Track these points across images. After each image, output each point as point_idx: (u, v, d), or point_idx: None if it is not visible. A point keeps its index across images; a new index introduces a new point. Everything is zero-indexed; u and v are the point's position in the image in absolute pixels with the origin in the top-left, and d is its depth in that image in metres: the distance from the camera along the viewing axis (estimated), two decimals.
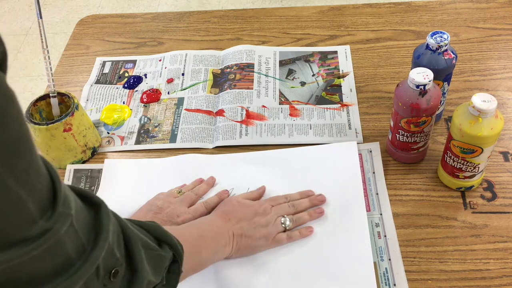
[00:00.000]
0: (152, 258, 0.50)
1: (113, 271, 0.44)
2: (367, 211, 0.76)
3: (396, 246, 0.72)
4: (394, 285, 0.68)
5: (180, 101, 0.97)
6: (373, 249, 0.72)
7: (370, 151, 0.84)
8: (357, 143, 0.85)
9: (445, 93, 0.83)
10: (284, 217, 0.73)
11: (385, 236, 0.73)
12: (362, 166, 0.82)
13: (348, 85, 0.97)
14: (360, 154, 0.84)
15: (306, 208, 0.76)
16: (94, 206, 0.44)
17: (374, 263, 0.70)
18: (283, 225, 0.72)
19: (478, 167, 0.73)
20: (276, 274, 0.70)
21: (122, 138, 0.91)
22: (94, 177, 0.85)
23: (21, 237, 0.33)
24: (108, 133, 0.92)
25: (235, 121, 0.91)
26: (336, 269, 0.70)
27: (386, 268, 0.70)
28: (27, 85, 2.23)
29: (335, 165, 0.82)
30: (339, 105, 0.93)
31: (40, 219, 0.35)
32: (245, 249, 0.70)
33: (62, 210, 0.37)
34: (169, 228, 0.57)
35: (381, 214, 0.76)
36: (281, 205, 0.75)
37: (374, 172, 0.81)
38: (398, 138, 0.79)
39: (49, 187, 0.36)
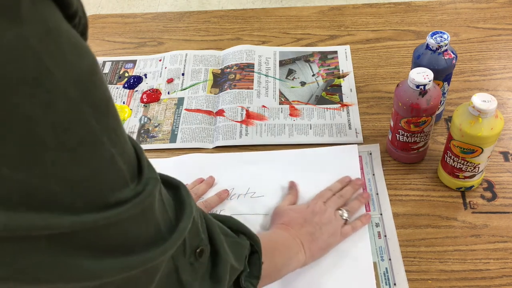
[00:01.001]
0: (231, 244, 0.50)
1: (198, 250, 0.44)
2: (367, 211, 0.76)
3: (396, 246, 0.72)
4: (395, 284, 0.68)
5: (180, 101, 0.97)
6: (373, 249, 0.72)
7: (370, 153, 0.84)
8: (357, 145, 0.85)
9: (445, 93, 0.83)
10: (340, 210, 0.73)
11: (385, 236, 0.73)
12: (362, 168, 0.82)
13: (348, 85, 0.97)
14: (360, 156, 0.84)
15: (351, 195, 0.76)
16: (174, 187, 0.44)
17: (374, 263, 0.70)
18: (342, 218, 0.72)
19: (478, 167, 0.73)
20: None
21: None
22: None
23: (117, 198, 0.33)
24: None
25: (235, 121, 0.91)
26: (336, 268, 0.70)
27: (386, 268, 0.70)
28: None
29: (335, 167, 0.82)
30: (339, 105, 0.93)
31: (131, 182, 0.35)
32: (318, 252, 0.69)
33: (149, 175, 0.36)
34: None
35: (381, 214, 0.76)
36: (331, 199, 0.75)
37: (374, 174, 0.81)
38: (398, 138, 0.79)
39: (134, 154, 0.36)
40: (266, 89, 0.97)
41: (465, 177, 0.75)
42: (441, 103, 0.85)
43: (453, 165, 0.75)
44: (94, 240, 0.33)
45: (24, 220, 0.29)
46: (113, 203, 0.33)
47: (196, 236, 0.44)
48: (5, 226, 0.28)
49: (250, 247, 0.54)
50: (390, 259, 0.71)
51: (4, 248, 0.30)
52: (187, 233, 0.41)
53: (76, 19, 0.32)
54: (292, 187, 0.79)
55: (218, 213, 0.77)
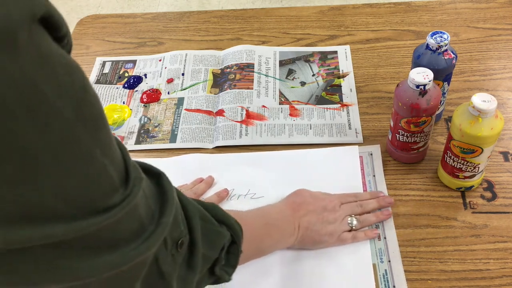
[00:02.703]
0: (208, 231, 0.51)
1: (179, 241, 0.45)
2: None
3: (395, 248, 0.72)
4: (394, 286, 0.68)
5: (180, 101, 0.97)
6: (373, 250, 0.72)
7: (371, 154, 0.84)
8: (358, 145, 0.85)
9: (445, 93, 0.83)
10: (351, 216, 0.73)
11: (384, 238, 0.73)
12: (362, 169, 0.82)
13: (348, 85, 0.97)
14: (360, 157, 0.83)
15: (373, 209, 0.75)
16: (155, 176, 0.46)
17: (374, 265, 0.70)
18: (349, 225, 0.72)
19: (478, 167, 0.73)
20: (275, 275, 0.69)
21: (122, 138, 0.91)
22: None
23: (107, 204, 0.35)
24: None
25: (235, 121, 0.91)
26: (336, 269, 0.70)
27: (385, 270, 0.70)
28: None
29: (335, 168, 0.82)
30: (339, 105, 0.93)
31: (120, 187, 0.37)
32: (308, 242, 0.70)
33: (135, 175, 0.38)
34: (234, 213, 0.58)
35: None
36: (350, 204, 0.75)
37: (374, 175, 0.81)
38: (398, 138, 0.79)
39: (122, 158, 0.38)
40: (266, 89, 0.97)
41: (465, 177, 0.75)
42: (441, 103, 0.85)
43: (453, 165, 0.75)
44: (84, 243, 0.35)
45: (22, 234, 0.31)
46: (104, 209, 0.35)
47: (176, 228, 0.45)
48: (3, 240, 0.30)
49: (231, 237, 0.55)
50: (389, 261, 0.71)
51: (0, 258, 0.32)
52: (169, 227, 0.42)
53: (65, 40, 0.33)
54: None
55: None
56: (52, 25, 0.31)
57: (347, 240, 0.72)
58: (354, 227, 0.72)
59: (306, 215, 0.70)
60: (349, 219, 0.73)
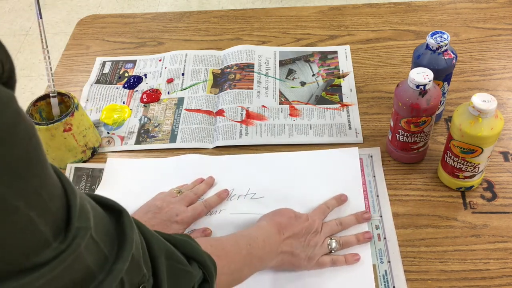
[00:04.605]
0: (176, 272, 0.47)
1: (140, 287, 0.41)
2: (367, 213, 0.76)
3: (396, 248, 0.72)
4: (394, 287, 0.68)
5: (180, 101, 0.97)
6: (373, 251, 0.72)
7: (371, 156, 0.84)
8: (358, 147, 0.85)
9: (445, 93, 0.83)
10: (331, 238, 0.71)
11: (385, 238, 0.73)
12: (362, 170, 0.82)
13: (348, 85, 0.97)
14: (360, 159, 0.83)
15: (351, 226, 0.74)
16: (115, 213, 0.41)
17: (374, 265, 0.70)
18: (329, 247, 0.70)
19: (478, 167, 0.73)
20: (275, 275, 0.69)
21: (122, 138, 0.91)
22: (95, 176, 0.85)
23: (34, 263, 0.31)
24: (108, 133, 0.92)
25: (235, 121, 0.91)
26: (336, 269, 0.70)
27: (385, 270, 0.70)
28: (27, 85, 2.23)
29: (336, 169, 0.82)
30: (339, 105, 0.93)
31: (54, 241, 0.32)
32: (287, 265, 0.68)
33: (78, 225, 0.34)
34: (216, 240, 0.54)
35: (381, 216, 0.76)
36: (329, 223, 0.73)
37: (374, 176, 0.81)
38: (398, 138, 0.79)
39: (63, 204, 0.34)
40: (266, 89, 0.97)
41: (465, 177, 0.75)
42: (441, 103, 0.85)
43: (453, 165, 0.75)
44: None
45: None
46: (32, 267, 0.31)
47: (137, 272, 0.41)
48: None
49: (202, 275, 0.51)
50: (389, 262, 0.71)
51: None
52: (125, 272, 0.38)
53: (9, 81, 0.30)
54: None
55: (218, 213, 0.77)
56: None
57: (326, 264, 0.69)
58: (334, 250, 0.71)
59: (289, 238, 0.67)
60: (328, 241, 0.71)
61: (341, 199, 0.77)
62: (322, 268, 0.69)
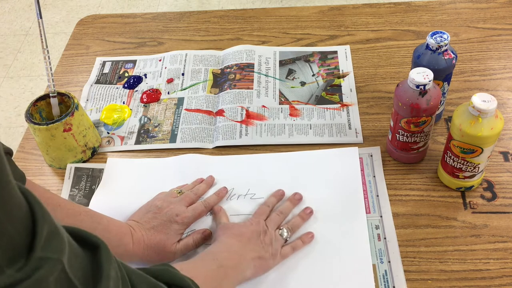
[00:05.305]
0: None
1: None
2: (367, 213, 0.76)
3: (395, 248, 0.72)
4: (394, 287, 0.68)
5: (180, 101, 0.97)
6: (373, 251, 0.72)
7: (371, 155, 0.84)
8: (358, 147, 0.85)
9: (445, 93, 0.83)
10: (280, 229, 0.72)
11: (385, 238, 0.73)
12: (362, 170, 0.82)
13: (348, 85, 0.97)
14: (360, 158, 0.83)
15: (291, 210, 0.76)
16: (92, 247, 0.39)
17: (374, 265, 0.70)
18: (282, 237, 0.71)
19: (478, 167, 0.73)
20: (274, 275, 0.69)
21: (122, 138, 0.91)
22: (95, 176, 0.85)
23: None
24: (108, 133, 0.92)
25: (235, 121, 0.91)
26: (336, 269, 0.70)
27: (385, 270, 0.70)
28: (27, 85, 2.23)
29: (335, 169, 0.82)
30: (339, 105, 0.93)
31: (7, 267, 0.29)
32: (261, 270, 0.69)
33: (43, 255, 0.31)
34: (185, 264, 0.54)
35: (381, 216, 0.76)
36: (271, 217, 0.74)
37: (374, 176, 0.81)
38: (398, 138, 0.79)
39: (26, 228, 0.31)
40: (266, 89, 0.97)
41: (465, 177, 0.75)
42: (441, 103, 0.85)
43: (453, 165, 0.75)
44: None
45: None
46: None
47: None
48: None
49: None
50: (389, 262, 0.71)
51: None
52: None
53: None
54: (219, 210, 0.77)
55: None
56: None
57: (289, 253, 0.70)
58: (288, 238, 0.72)
59: (248, 243, 0.68)
60: (279, 231, 0.72)
61: (294, 198, 0.77)
62: (286, 258, 0.70)
